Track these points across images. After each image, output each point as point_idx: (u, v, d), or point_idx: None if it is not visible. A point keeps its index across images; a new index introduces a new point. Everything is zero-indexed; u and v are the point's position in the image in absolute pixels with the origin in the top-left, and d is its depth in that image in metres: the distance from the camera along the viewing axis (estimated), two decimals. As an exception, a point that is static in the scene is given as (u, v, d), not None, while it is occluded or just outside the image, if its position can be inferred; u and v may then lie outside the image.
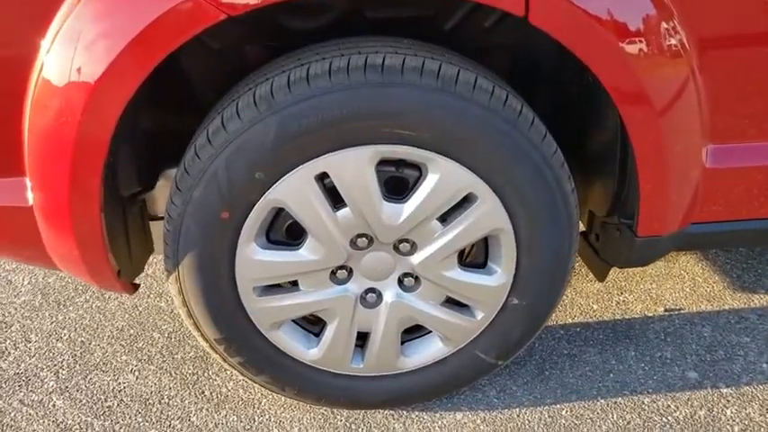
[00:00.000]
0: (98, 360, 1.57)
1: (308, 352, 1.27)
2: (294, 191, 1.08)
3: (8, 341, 1.64)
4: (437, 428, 1.35)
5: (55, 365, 1.55)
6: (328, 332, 1.25)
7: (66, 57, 0.96)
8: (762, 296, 1.71)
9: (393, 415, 1.38)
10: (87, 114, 0.97)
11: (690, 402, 1.39)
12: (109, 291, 1.45)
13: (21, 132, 1.03)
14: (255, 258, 1.14)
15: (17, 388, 1.49)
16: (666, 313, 1.65)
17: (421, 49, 1.07)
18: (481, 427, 1.35)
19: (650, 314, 1.65)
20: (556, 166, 1.12)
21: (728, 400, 1.39)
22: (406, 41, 1.09)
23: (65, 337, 1.65)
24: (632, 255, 1.24)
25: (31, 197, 1.08)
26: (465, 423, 1.36)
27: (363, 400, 1.35)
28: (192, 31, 0.95)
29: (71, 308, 1.75)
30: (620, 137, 1.17)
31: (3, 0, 0.95)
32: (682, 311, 1.65)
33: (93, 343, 1.62)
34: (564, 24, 0.99)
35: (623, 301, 1.70)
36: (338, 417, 1.38)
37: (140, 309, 1.73)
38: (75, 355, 1.59)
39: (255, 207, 1.09)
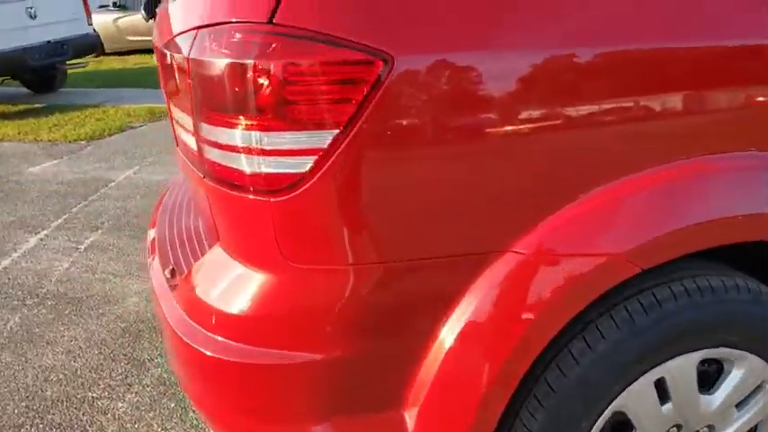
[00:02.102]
0: None
1: None
2: (635, 396, 1.23)
3: None
4: None
5: None
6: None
7: (483, 320, 1.13)
8: None
9: None
10: (503, 365, 1.12)
11: None
12: None
13: (415, 375, 1.15)
14: (596, 455, 1.26)
15: None
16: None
17: (718, 269, 1.30)
18: None
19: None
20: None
21: None
22: (703, 263, 1.32)
23: None
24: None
25: (411, 427, 1.17)
26: None
27: None
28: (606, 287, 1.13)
29: None
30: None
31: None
32: None
33: None
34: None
35: None
36: None
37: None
38: None
39: (603, 414, 1.23)
